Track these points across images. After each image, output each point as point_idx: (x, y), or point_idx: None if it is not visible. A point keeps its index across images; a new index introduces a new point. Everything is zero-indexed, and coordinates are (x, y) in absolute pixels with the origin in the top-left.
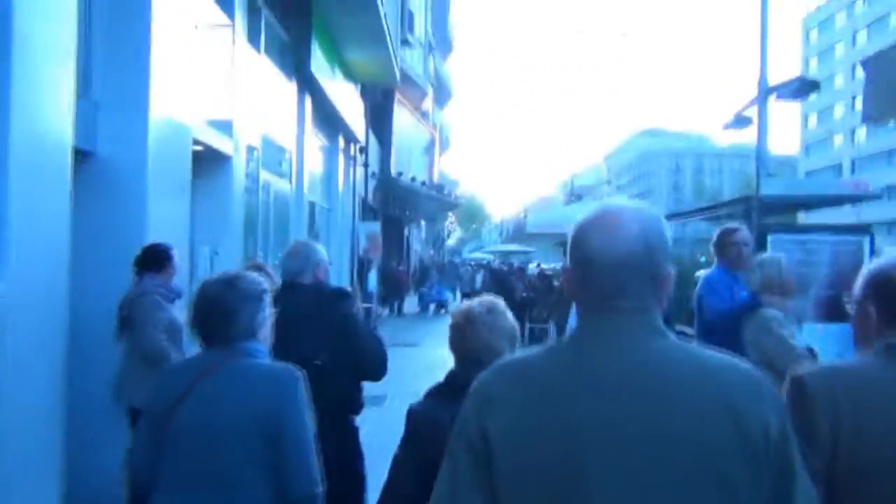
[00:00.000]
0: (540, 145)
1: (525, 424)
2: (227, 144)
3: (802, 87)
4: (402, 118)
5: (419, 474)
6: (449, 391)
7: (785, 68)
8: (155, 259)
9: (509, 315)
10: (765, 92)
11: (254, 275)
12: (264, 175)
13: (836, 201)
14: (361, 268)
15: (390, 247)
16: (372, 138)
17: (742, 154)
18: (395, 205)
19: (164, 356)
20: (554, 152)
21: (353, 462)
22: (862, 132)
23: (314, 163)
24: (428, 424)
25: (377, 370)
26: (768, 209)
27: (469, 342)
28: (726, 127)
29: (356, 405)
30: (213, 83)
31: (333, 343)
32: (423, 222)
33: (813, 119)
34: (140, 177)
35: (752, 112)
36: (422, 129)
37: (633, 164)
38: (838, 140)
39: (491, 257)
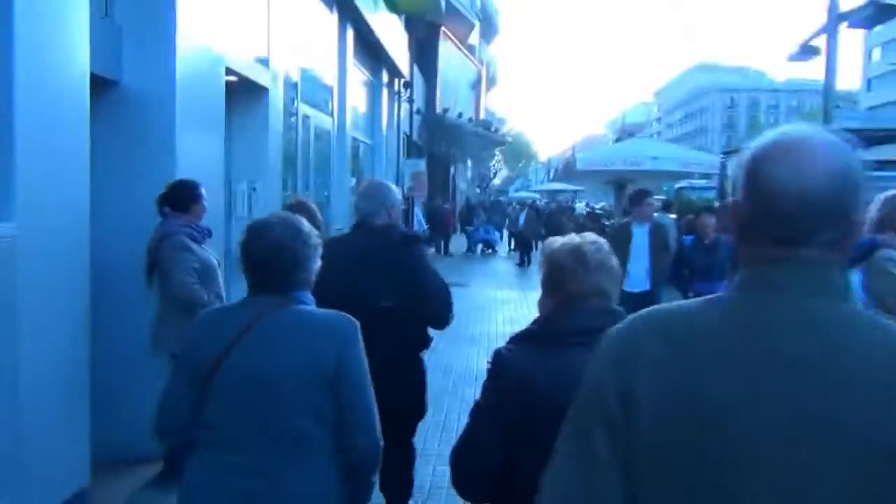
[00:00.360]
0: (588, 82)
1: (682, 392)
2: (263, 75)
3: (877, 13)
4: (448, 53)
5: (503, 425)
6: (542, 338)
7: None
8: (181, 197)
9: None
10: (836, 18)
11: (307, 224)
12: (304, 109)
13: None
14: (406, 207)
15: (435, 186)
16: (417, 73)
17: (799, 90)
18: (440, 142)
19: (198, 300)
20: (602, 89)
21: (418, 396)
22: None
23: (357, 98)
24: (517, 374)
25: (443, 317)
26: None
27: (578, 285)
28: (791, 58)
29: (423, 342)
30: (247, 9)
31: (402, 286)
32: (469, 161)
33: (877, 52)
34: (168, 107)
35: (819, 42)
36: (468, 64)
37: (685, 100)
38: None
39: (537, 196)
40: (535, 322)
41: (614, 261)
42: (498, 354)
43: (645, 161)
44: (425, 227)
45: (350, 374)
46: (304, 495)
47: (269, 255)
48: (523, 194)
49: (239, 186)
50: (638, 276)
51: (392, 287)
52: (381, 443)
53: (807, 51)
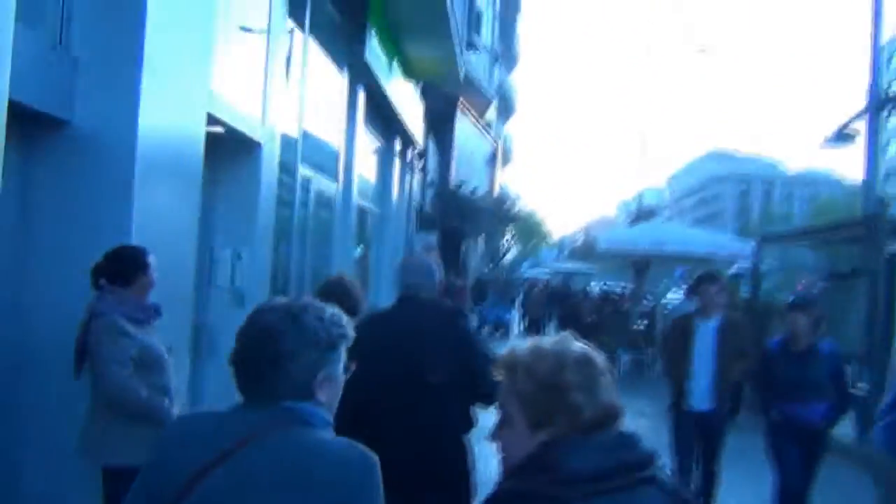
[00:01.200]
0: (600, 165)
1: None
2: (257, 129)
3: None
4: (464, 126)
5: None
6: (543, 492)
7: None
8: (121, 268)
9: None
10: (876, 102)
11: (332, 309)
12: (305, 171)
13: None
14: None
15: (447, 261)
16: (431, 145)
17: (814, 181)
18: (453, 216)
19: (130, 399)
20: (614, 172)
21: (465, 479)
22: None
23: (366, 164)
24: None
25: (489, 392)
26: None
27: (593, 408)
28: (827, 143)
29: (469, 424)
30: (243, 54)
31: (454, 361)
32: (480, 237)
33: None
34: (127, 154)
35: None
36: (484, 139)
37: (698, 187)
38: None
39: (548, 276)
40: (520, 470)
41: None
42: None
43: (670, 243)
44: None
45: None
46: None
47: (247, 349)
48: (536, 272)
49: (222, 253)
50: (702, 388)
51: (443, 361)
52: None
53: (842, 137)
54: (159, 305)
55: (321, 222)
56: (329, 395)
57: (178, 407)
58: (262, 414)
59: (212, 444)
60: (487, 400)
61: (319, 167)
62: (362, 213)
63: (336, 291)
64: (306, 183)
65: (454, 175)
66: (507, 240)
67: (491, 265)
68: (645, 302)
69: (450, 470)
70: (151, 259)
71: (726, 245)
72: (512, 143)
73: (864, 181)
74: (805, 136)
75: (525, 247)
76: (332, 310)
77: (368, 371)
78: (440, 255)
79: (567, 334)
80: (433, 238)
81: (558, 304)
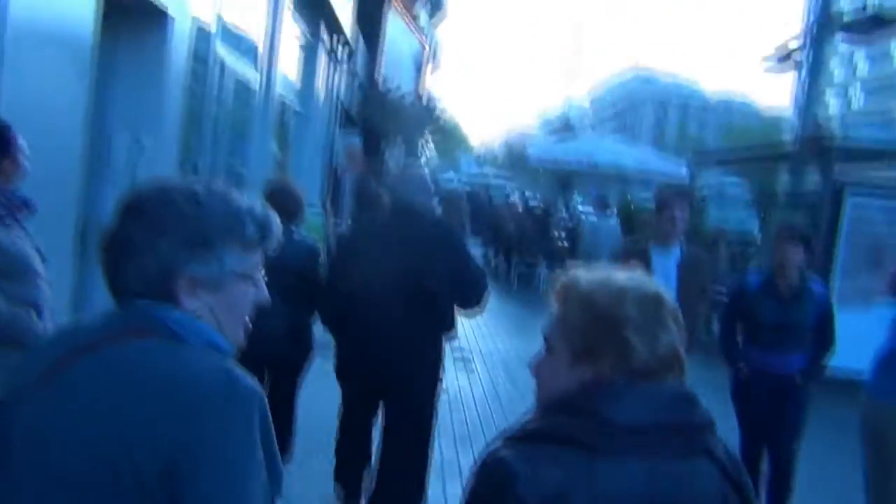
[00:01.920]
0: (523, 79)
1: None
2: None
3: (874, 24)
4: (395, 24)
5: None
6: (577, 435)
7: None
8: None
9: None
10: (819, 21)
11: (241, 203)
12: (222, 52)
13: None
14: (336, 182)
15: (368, 164)
16: (361, 43)
17: (729, 109)
18: (378, 118)
19: None
20: (535, 84)
21: (437, 375)
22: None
23: (290, 56)
24: (541, 499)
25: (479, 298)
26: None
27: (649, 352)
28: (769, 66)
29: (452, 324)
30: None
31: (445, 269)
32: (400, 141)
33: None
34: None
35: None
36: (414, 39)
37: (616, 105)
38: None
39: (466, 185)
40: (559, 408)
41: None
42: (495, 463)
43: (602, 158)
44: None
45: (202, 486)
46: None
47: (110, 230)
48: (454, 180)
49: (119, 138)
50: None
51: (435, 268)
52: None
53: (783, 60)
54: (31, 199)
55: (238, 114)
56: (210, 303)
57: (52, 323)
58: (113, 318)
59: (46, 356)
60: (474, 303)
61: (238, 52)
62: (284, 108)
63: (278, 193)
64: (221, 69)
65: (382, 75)
66: (427, 146)
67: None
68: (563, 216)
69: (428, 367)
70: (20, 141)
71: (659, 164)
72: (440, 48)
73: (799, 106)
74: (724, 59)
75: (444, 155)
76: (231, 199)
77: (361, 274)
78: (354, 157)
79: (640, 271)
80: (356, 139)
81: (480, 213)
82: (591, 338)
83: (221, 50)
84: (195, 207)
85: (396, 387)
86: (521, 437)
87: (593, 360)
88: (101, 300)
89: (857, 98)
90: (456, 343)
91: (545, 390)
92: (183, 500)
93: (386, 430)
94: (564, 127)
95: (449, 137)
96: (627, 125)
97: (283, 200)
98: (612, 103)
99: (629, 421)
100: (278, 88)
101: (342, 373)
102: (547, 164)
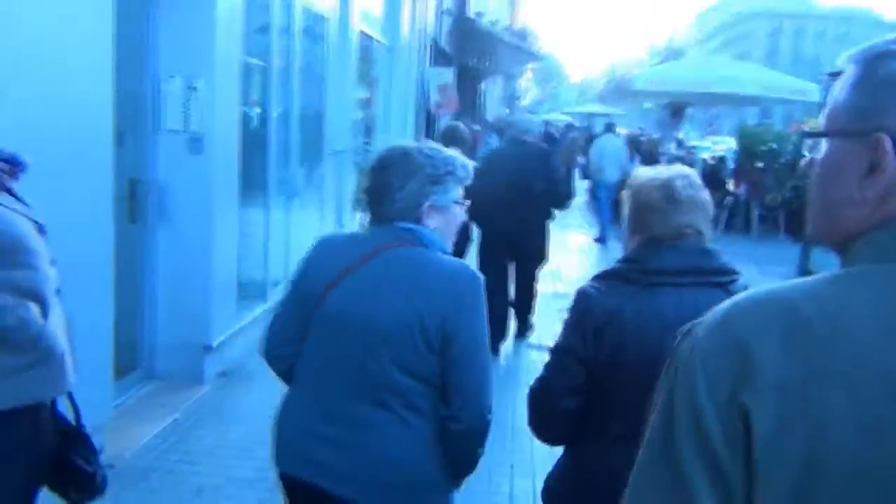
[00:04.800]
0: (624, 8)
1: (827, 412)
2: None
3: None
4: None
5: (585, 369)
6: (629, 277)
7: None
8: None
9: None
10: None
11: (447, 152)
12: None
13: None
14: (430, 122)
15: (464, 103)
16: None
17: (847, 17)
18: (471, 52)
19: None
20: (638, 16)
21: (546, 247)
22: None
23: None
24: (603, 313)
25: (569, 199)
26: None
27: (666, 224)
28: None
29: (551, 215)
30: None
31: (544, 179)
32: (499, 77)
33: None
34: None
35: None
36: None
37: (728, 23)
38: None
39: (569, 119)
40: (622, 260)
41: (706, 195)
42: (582, 292)
43: (718, 82)
44: None
45: (462, 338)
46: (390, 454)
47: (370, 178)
48: (555, 116)
49: (169, 84)
50: None
51: (539, 178)
52: (490, 417)
53: None
54: (18, 156)
55: (310, 51)
56: (439, 222)
57: (63, 320)
58: (380, 233)
59: (348, 254)
60: (564, 203)
61: None
62: (366, 43)
63: (452, 137)
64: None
65: (472, 3)
66: (522, 81)
67: (508, 108)
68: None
69: (540, 241)
70: None
71: (790, 84)
72: None
73: None
74: None
75: (544, 89)
76: (445, 153)
77: (491, 184)
78: (457, 95)
79: (667, 168)
80: (449, 75)
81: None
82: (633, 218)
83: None
84: (427, 158)
85: (521, 253)
86: (599, 277)
87: (639, 232)
88: (166, 257)
89: None
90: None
91: (623, 251)
92: (451, 346)
93: (518, 278)
94: (672, 55)
95: (548, 73)
96: (737, 47)
97: (457, 143)
98: (721, 24)
99: (658, 265)
100: (357, 20)
101: (487, 249)
102: (656, 89)
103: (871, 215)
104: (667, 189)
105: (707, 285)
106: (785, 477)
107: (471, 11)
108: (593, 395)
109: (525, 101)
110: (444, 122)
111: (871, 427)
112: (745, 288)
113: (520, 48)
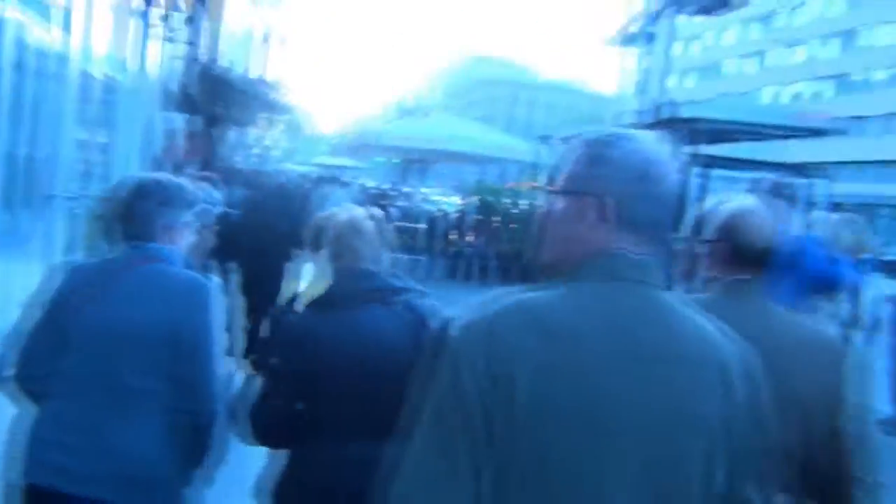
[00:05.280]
0: (362, 65)
1: (553, 369)
2: None
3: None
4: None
5: (293, 384)
6: (329, 303)
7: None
8: None
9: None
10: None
11: (179, 181)
12: (11, 12)
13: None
14: (157, 168)
15: (209, 150)
16: (200, 10)
17: (564, 90)
18: (219, 101)
19: None
20: (373, 75)
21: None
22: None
23: (106, 25)
24: (302, 332)
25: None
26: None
27: (355, 253)
28: (609, 43)
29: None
30: None
31: (295, 219)
32: (250, 127)
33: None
34: None
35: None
36: (257, 17)
37: (469, 90)
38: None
39: (316, 170)
40: (327, 289)
41: (388, 229)
42: (290, 322)
43: (456, 140)
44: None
45: (198, 340)
46: (125, 451)
47: (121, 206)
48: (304, 168)
49: None
50: None
51: (287, 219)
52: (216, 407)
53: (630, 38)
54: None
55: (38, 91)
56: (178, 241)
57: None
58: (129, 253)
59: (98, 277)
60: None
61: (36, 9)
62: (100, 82)
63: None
64: (17, 30)
65: (221, 51)
66: (278, 130)
67: (255, 158)
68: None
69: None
70: None
71: (516, 147)
72: (279, 30)
73: (641, 84)
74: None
75: (294, 140)
76: (177, 181)
77: (251, 225)
78: (203, 143)
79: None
80: (180, 121)
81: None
82: (330, 251)
83: (10, 6)
84: (162, 188)
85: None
86: (306, 305)
87: (335, 261)
88: None
89: (690, 77)
90: None
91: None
92: (188, 347)
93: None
94: (406, 113)
95: (298, 124)
96: (481, 111)
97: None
98: (463, 89)
99: (352, 289)
100: (78, 57)
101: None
102: (403, 145)
103: (594, 247)
104: (353, 224)
105: (387, 302)
106: (533, 415)
107: (222, 60)
108: (308, 400)
109: (276, 152)
110: (166, 168)
111: (582, 386)
112: (424, 300)
113: (269, 99)
